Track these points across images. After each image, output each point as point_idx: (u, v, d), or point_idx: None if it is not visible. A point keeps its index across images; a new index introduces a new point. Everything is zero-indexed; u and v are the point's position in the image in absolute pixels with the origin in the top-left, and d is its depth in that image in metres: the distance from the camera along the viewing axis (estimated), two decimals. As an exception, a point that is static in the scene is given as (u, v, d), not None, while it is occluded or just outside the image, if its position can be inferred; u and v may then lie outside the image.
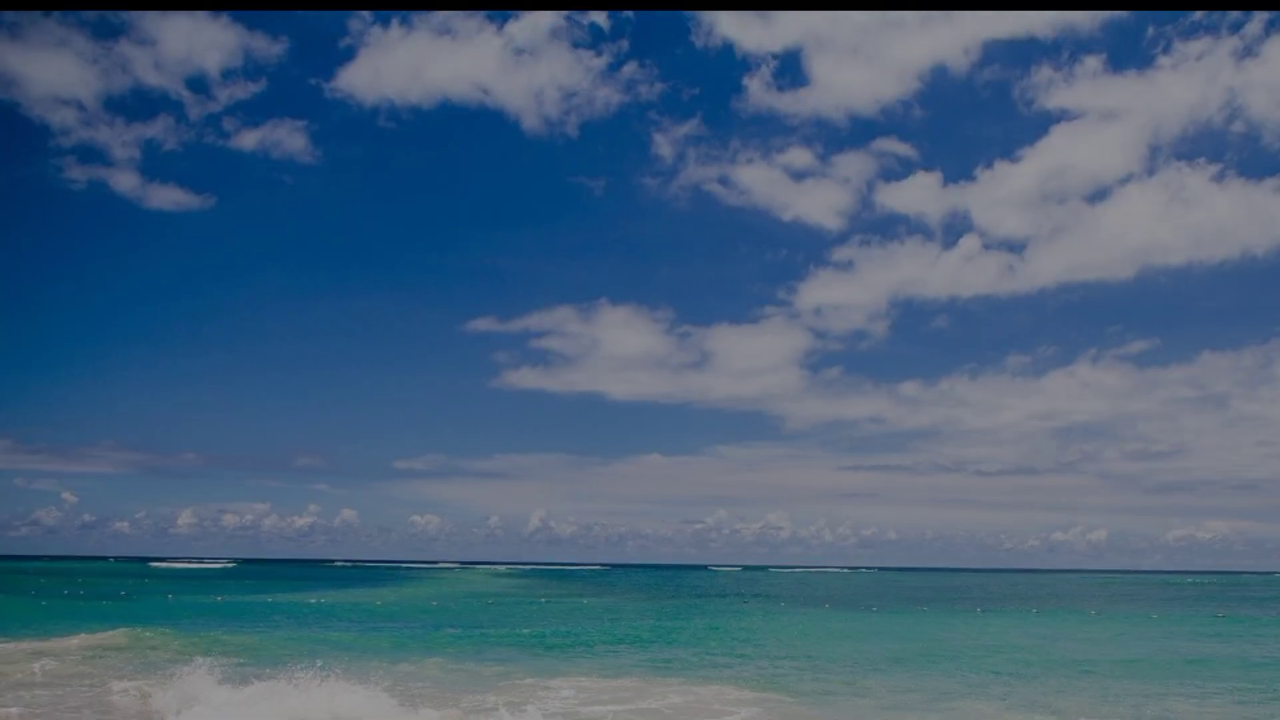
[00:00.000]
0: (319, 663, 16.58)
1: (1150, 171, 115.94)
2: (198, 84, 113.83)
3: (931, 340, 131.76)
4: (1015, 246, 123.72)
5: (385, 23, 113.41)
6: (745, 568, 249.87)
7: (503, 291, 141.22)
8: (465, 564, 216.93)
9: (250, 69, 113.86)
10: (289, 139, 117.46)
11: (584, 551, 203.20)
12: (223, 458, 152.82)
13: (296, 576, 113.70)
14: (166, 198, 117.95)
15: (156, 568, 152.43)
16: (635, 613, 49.18)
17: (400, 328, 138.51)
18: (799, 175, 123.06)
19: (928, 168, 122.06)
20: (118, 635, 30.05)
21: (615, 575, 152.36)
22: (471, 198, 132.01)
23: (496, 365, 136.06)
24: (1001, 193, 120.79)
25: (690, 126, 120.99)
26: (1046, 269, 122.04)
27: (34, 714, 16.59)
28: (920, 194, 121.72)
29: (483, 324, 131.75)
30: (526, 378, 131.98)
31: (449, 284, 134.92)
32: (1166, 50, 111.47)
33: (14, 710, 16.83)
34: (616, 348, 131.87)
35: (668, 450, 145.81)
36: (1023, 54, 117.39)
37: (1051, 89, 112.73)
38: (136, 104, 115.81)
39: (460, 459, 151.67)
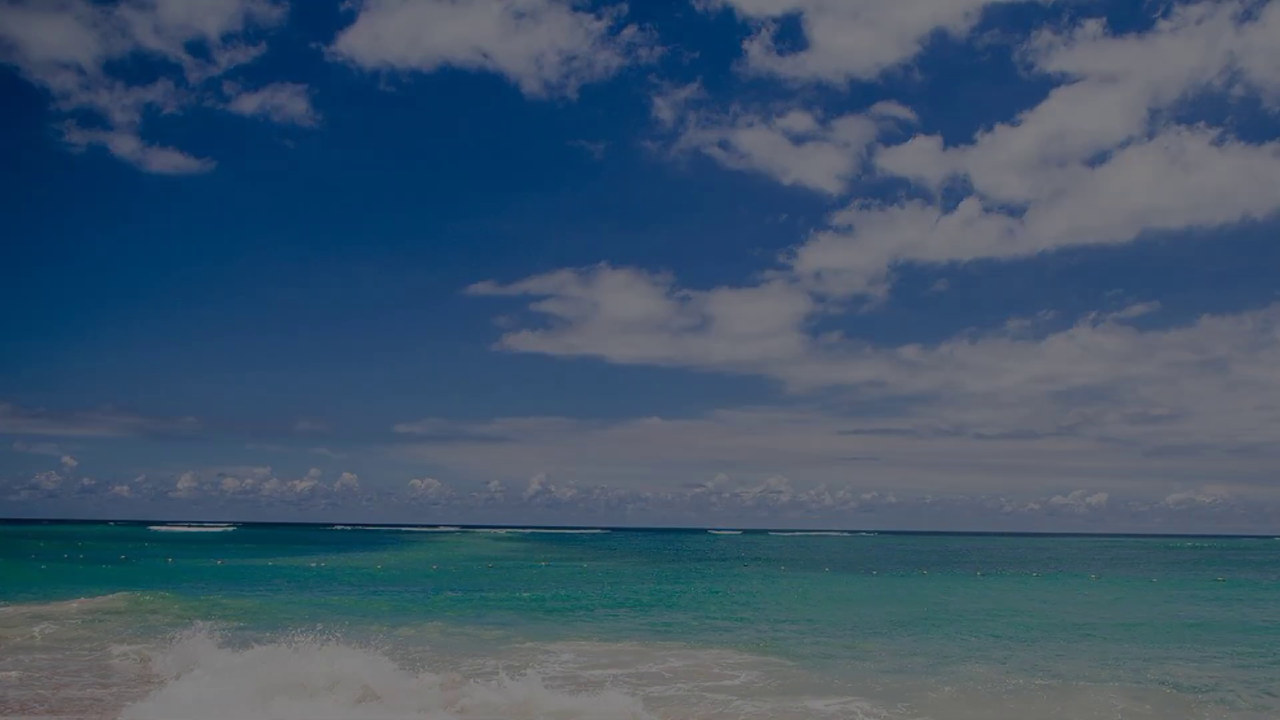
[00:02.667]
0: (319, 626, 16.51)
1: (1150, 135, 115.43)
2: (197, 48, 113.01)
3: (931, 304, 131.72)
4: (1015, 210, 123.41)
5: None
6: (745, 531, 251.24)
7: (503, 255, 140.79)
8: (465, 527, 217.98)
9: (250, 32, 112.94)
10: (289, 103, 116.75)
11: (584, 515, 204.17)
12: (223, 421, 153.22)
13: (296, 540, 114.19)
14: (166, 161, 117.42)
15: (156, 531, 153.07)
16: (635, 576, 49.34)
17: (400, 292, 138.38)
18: (799, 139, 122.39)
19: (928, 131, 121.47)
20: (117, 599, 30.09)
21: (615, 539, 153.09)
22: (471, 162, 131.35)
23: (496, 329, 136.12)
24: (1001, 156, 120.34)
25: (690, 90, 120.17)
26: (1046, 232, 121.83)
27: (33, 677, 16.55)
28: (920, 158, 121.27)
29: (483, 288, 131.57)
30: (526, 341, 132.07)
31: (449, 248, 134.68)
32: (1166, 14, 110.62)
33: (14, 674, 16.79)
34: (616, 311, 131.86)
35: (667, 414, 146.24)
36: (1023, 17, 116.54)
37: (1051, 52, 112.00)
38: (136, 68, 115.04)
39: (460, 423, 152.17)
